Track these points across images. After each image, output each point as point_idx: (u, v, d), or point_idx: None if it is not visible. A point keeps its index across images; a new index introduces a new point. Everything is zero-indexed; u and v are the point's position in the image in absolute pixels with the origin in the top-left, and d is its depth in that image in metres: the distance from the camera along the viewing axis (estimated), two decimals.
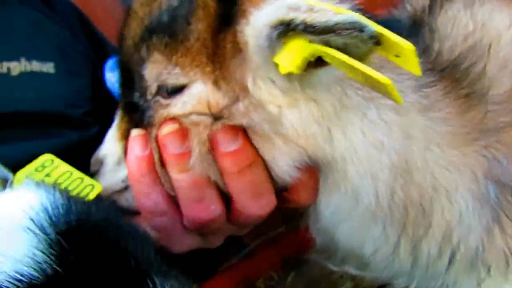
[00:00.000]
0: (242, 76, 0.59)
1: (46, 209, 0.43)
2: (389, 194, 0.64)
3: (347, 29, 0.45)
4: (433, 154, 0.63)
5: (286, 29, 0.49)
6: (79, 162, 0.66)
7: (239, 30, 0.57)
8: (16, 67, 0.82)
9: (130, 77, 0.65)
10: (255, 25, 0.54)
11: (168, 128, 0.62)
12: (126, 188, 0.68)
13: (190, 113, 0.61)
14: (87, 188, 0.65)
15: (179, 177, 0.62)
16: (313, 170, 0.64)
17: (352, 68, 0.47)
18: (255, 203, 0.63)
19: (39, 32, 0.90)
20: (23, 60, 0.83)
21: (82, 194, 0.65)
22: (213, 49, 0.59)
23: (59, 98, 0.85)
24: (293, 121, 0.59)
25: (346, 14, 0.46)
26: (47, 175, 0.65)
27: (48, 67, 0.86)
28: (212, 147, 0.60)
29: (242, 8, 0.57)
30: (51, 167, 0.65)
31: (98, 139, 0.72)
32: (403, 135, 0.62)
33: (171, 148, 0.61)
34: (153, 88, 0.63)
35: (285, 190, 0.65)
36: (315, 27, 0.47)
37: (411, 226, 0.66)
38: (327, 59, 0.49)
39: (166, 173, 0.63)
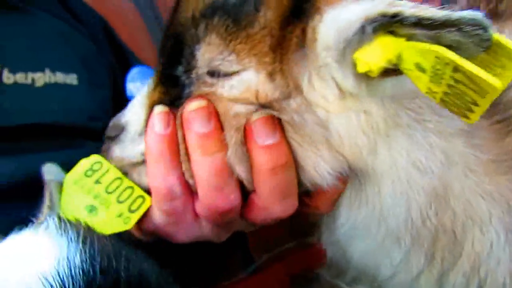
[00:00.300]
0: (298, 73, 0.56)
1: (63, 275, 0.39)
2: (421, 219, 0.63)
3: (471, 25, 0.43)
4: (470, 181, 0.63)
5: (389, 22, 0.47)
6: None
7: (310, 25, 0.55)
8: (41, 78, 0.81)
9: (178, 50, 0.60)
10: (337, 20, 0.52)
11: (194, 104, 0.58)
12: (143, 162, 0.64)
13: (236, 99, 0.58)
14: (138, 200, 0.63)
15: (202, 161, 0.58)
16: (344, 180, 0.62)
17: (437, 78, 0.45)
18: (279, 204, 0.60)
19: (64, 43, 0.89)
20: (47, 71, 0.82)
21: (132, 208, 0.62)
22: (278, 40, 0.56)
23: (82, 110, 0.85)
24: (339, 129, 0.57)
25: (467, 11, 0.44)
26: (97, 181, 0.62)
27: (72, 79, 0.85)
28: (247, 138, 0.57)
29: (316, 5, 0.55)
30: (100, 171, 0.63)
31: None
32: (444, 160, 0.61)
33: (196, 126, 0.57)
34: (202, 70, 0.59)
35: (306, 194, 0.62)
36: (431, 20, 0.44)
37: (441, 255, 0.64)
38: (406, 66, 0.48)
39: (188, 156, 0.59)
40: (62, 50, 0.88)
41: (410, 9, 0.46)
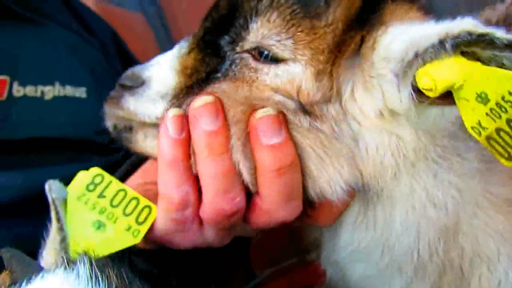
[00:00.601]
0: (344, 80, 0.56)
1: None
2: (428, 252, 0.63)
3: None
4: (480, 219, 0.64)
5: (474, 41, 0.47)
6: None
7: (372, 35, 0.55)
8: (50, 91, 0.81)
9: (230, 17, 0.59)
10: (408, 33, 0.53)
11: (202, 100, 0.56)
12: (154, 125, 0.61)
13: (277, 88, 0.56)
14: (145, 211, 0.61)
15: (209, 162, 0.56)
16: (352, 194, 0.60)
17: (497, 112, 0.46)
18: (283, 207, 0.58)
19: (74, 55, 0.89)
20: (57, 84, 0.82)
21: (140, 219, 0.60)
22: (338, 41, 0.55)
23: (89, 124, 0.82)
24: (369, 145, 0.57)
25: None
26: (101, 195, 0.60)
27: (81, 92, 0.85)
28: (251, 137, 0.55)
29: (382, 17, 0.56)
30: (103, 184, 0.61)
31: (121, 164, 0.71)
32: (459, 198, 0.63)
33: (203, 124, 0.55)
34: (250, 44, 0.57)
35: (308, 203, 0.61)
36: None
37: None
38: (464, 95, 0.48)
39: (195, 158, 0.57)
40: (72, 63, 0.88)
41: (499, 31, 0.47)
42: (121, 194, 0.60)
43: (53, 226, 0.56)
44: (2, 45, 0.79)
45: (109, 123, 0.66)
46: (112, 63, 0.99)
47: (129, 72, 0.64)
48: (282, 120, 0.55)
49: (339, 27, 0.55)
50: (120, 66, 1.00)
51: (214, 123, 0.55)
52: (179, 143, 0.57)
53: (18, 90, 0.77)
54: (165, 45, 1.64)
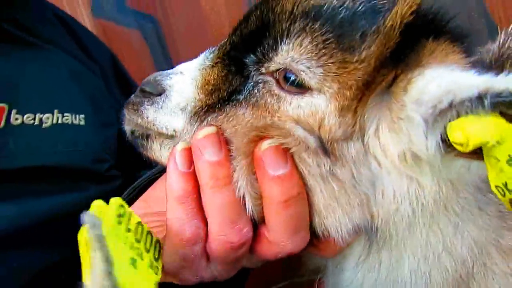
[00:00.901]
0: (369, 117, 0.54)
1: None
2: None
3: None
4: (491, 268, 0.63)
5: None
6: None
7: (407, 75, 0.53)
8: (49, 119, 0.80)
9: (260, 35, 0.56)
10: (446, 79, 0.50)
11: (204, 131, 0.55)
12: (172, 137, 0.60)
13: (298, 119, 0.54)
14: (157, 245, 0.57)
15: (215, 193, 0.55)
16: (359, 235, 0.59)
17: None
18: (291, 238, 0.57)
19: (75, 82, 0.88)
20: (56, 112, 0.81)
21: (156, 254, 0.57)
22: (368, 78, 0.53)
23: (87, 152, 0.83)
24: (387, 189, 0.55)
25: None
26: (128, 229, 0.55)
27: (79, 119, 0.84)
28: (257, 168, 0.54)
29: (420, 57, 0.54)
30: (126, 217, 0.56)
31: (120, 192, 0.68)
32: (477, 249, 0.61)
33: (207, 154, 0.54)
34: (276, 66, 0.55)
35: (315, 234, 0.59)
36: None
37: None
38: (496, 154, 0.46)
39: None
40: (72, 89, 0.87)
41: None
42: (140, 228, 0.56)
43: (95, 260, 0.52)
44: (3, 72, 0.77)
45: (127, 128, 0.65)
46: (111, 87, 0.98)
47: (151, 77, 0.62)
48: (288, 150, 0.54)
49: (371, 65, 0.52)
50: (117, 90, 0.99)
51: (217, 154, 0.54)
52: (188, 176, 0.56)
53: (16, 118, 0.76)
54: (162, 62, 1.63)
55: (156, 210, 0.65)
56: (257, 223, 0.58)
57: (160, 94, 0.61)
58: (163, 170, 0.66)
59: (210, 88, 0.58)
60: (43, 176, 0.75)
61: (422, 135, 0.51)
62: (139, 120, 0.62)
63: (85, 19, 1.56)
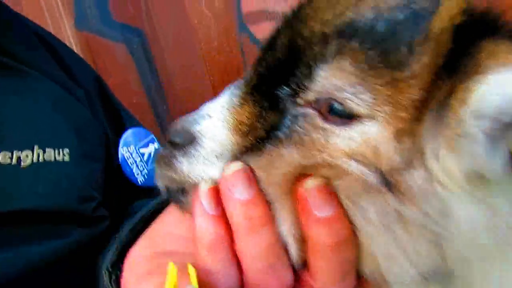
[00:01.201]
0: (426, 138, 0.47)
1: None
2: None
3: None
4: None
5: None
6: (85, 261, 0.56)
7: (464, 84, 0.45)
8: (28, 156, 0.72)
9: (290, 63, 0.49)
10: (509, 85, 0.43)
11: (232, 167, 0.49)
12: None
13: (352, 153, 0.47)
14: None
15: (250, 236, 0.49)
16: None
17: None
18: (337, 284, 0.51)
19: (58, 113, 0.81)
20: (36, 148, 0.73)
21: None
22: (423, 94, 0.46)
23: (72, 190, 0.76)
24: (459, 218, 0.47)
25: None
26: None
27: (63, 154, 0.77)
28: (301, 209, 0.48)
29: (478, 61, 0.46)
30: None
31: (108, 234, 0.62)
32: None
33: (237, 193, 0.49)
34: (315, 96, 0.49)
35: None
36: None
37: None
38: None
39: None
40: (56, 120, 0.79)
41: None
42: None
43: None
44: None
45: (160, 184, 0.58)
46: (96, 113, 0.91)
47: (178, 126, 0.55)
48: (333, 189, 0.48)
49: (425, 78, 0.45)
50: (105, 119, 0.93)
51: (248, 191, 0.49)
52: (219, 219, 0.50)
53: None
54: (148, 76, 1.58)
55: (163, 248, 0.59)
56: (297, 269, 0.52)
57: (190, 143, 0.54)
58: (166, 200, 0.61)
59: (244, 129, 0.52)
60: (19, 222, 0.67)
61: (485, 152, 0.44)
62: (173, 175, 0.55)
63: (68, 31, 1.50)
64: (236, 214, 0.49)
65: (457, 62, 0.46)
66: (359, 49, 0.46)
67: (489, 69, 0.45)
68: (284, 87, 0.50)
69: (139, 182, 0.92)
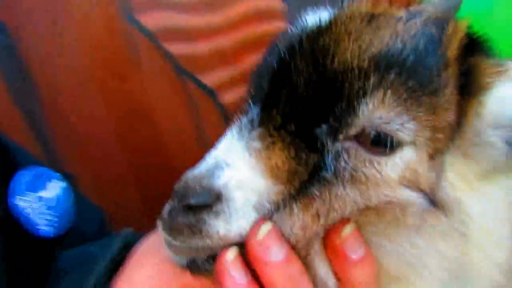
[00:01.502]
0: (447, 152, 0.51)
1: None
2: None
3: None
4: None
5: None
6: None
7: (477, 99, 0.50)
8: None
9: (327, 102, 0.48)
10: None
11: (264, 229, 0.48)
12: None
13: (401, 180, 0.49)
14: None
15: None
16: None
17: None
18: None
19: None
20: None
21: None
22: (455, 114, 0.49)
23: None
24: (481, 219, 0.51)
25: None
26: None
27: None
28: (336, 255, 0.49)
29: (479, 78, 0.51)
30: None
31: None
32: None
33: (273, 255, 0.48)
34: (357, 130, 0.48)
35: None
36: None
37: None
38: None
39: None
40: None
41: None
42: None
43: None
44: None
45: (181, 260, 0.52)
46: None
47: (193, 185, 0.49)
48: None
49: (455, 100, 0.49)
50: None
51: (283, 250, 0.48)
52: (252, 285, 0.49)
53: None
54: (20, 96, 1.33)
55: None
56: None
57: (218, 201, 0.49)
58: (125, 246, 0.60)
59: (283, 174, 0.49)
60: None
61: (504, 159, 0.50)
62: (207, 242, 0.49)
63: None
64: (276, 277, 0.48)
65: (464, 79, 0.50)
66: (398, 81, 0.47)
67: (493, 83, 0.50)
68: (322, 126, 0.49)
69: (52, 234, 0.75)
